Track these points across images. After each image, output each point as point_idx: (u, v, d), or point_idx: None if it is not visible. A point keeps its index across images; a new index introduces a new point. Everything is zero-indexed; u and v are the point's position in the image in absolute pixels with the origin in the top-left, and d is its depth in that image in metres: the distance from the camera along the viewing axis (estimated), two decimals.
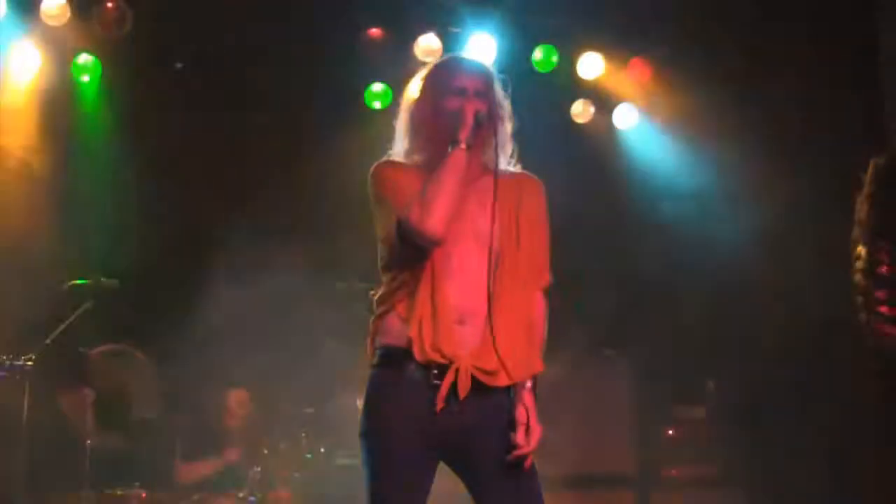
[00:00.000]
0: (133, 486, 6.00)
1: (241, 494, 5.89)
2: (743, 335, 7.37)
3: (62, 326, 5.77)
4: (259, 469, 6.01)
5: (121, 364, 6.23)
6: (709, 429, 7.49)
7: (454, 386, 3.29)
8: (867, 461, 6.90)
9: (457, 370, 3.29)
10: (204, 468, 6.16)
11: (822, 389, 7.24)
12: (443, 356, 3.28)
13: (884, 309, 4.52)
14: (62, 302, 5.86)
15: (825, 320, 7.15)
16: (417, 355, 3.29)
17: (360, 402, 5.81)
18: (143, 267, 6.51)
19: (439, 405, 3.28)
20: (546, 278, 3.53)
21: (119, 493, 5.95)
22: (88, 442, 5.84)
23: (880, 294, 4.54)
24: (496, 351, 3.31)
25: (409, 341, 3.30)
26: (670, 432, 7.42)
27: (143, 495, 5.95)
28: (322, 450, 6.24)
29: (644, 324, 7.55)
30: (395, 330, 3.35)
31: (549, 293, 3.52)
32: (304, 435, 6.21)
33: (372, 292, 5.71)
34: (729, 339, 7.42)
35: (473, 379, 3.30)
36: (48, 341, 5.71)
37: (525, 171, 3.60)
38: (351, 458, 6.22)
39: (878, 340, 4.54)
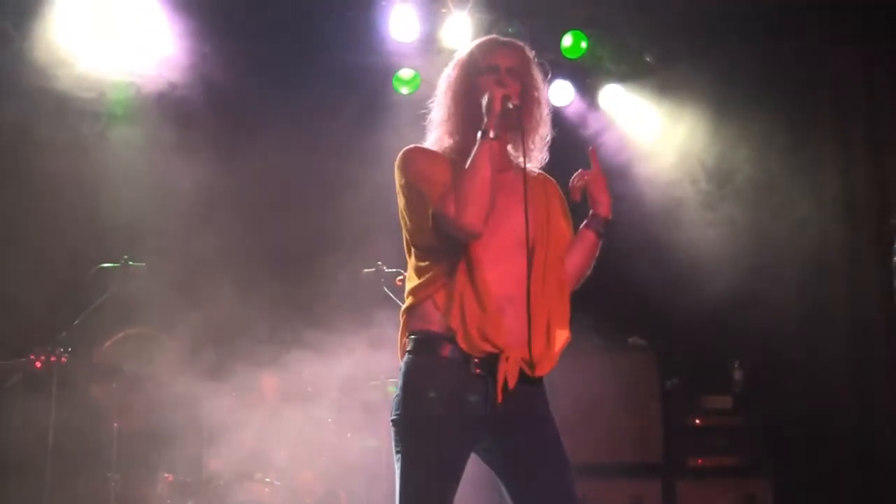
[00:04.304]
0: (159, 469, 6.02)
1: (267, 479, 5.88)
2: (771, 325, 7.32)
3: (90, 309, 5.79)
4: (286, 454, 6.01)
5: (147, 347, 6.24)
6: (735, 418, 7.45)
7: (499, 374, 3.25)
8: (891, 453, 6.88)
9: (506, 359, 3.26)
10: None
11: (849, 380, 7.22)
12: (493, 346, 3.26)
13: None
14: (90, 285, 5.87)
15: (856, 309, 7.13)
16: (463, 344, 3.25)
17: (389, 388, 5.90)
18: (172, 250, 6.52)
19: (499, 397, 3.24)
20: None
21: (145, 476, 5.98)
22: (115, 425, 5.87)
23: None
24: (539, 340, 3.31)
25: (450, 330, 3.26)
26: (697, 421, 7.38)
27: (169, 478, 5.97)
28: (349, 434, 6.23)
29: (671, 313, 7.52)
30: (433, 318, 3.31)
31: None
32: (330, 420, 6.20)
33: (400, 278, 5.84)
34: (757, 328, 7.38)
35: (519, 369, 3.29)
36: (76, 324, 5.74)
37: (542, 172, 3.59)
38: (377, 442, 6.23)
39: None
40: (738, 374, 7.60)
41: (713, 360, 7.68)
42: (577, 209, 3.64)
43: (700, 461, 7.28)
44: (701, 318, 7.50)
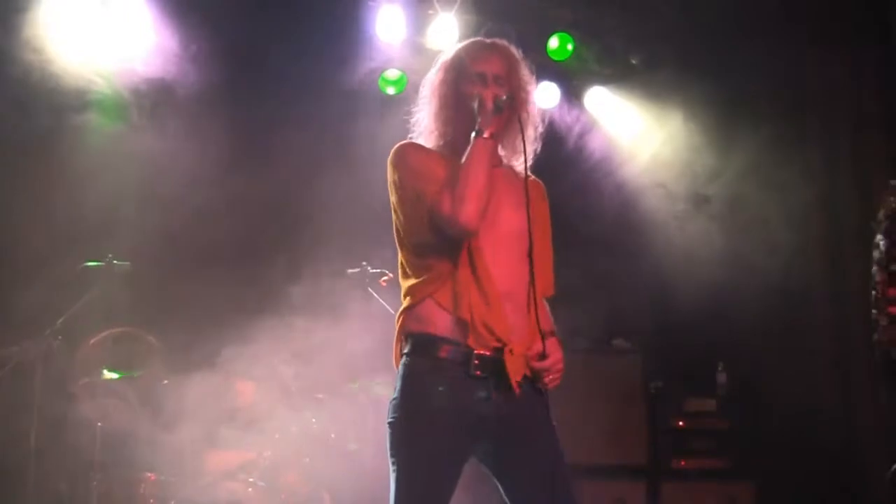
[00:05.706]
0: (142, 468, 6.00)
1: (251, 479, 5.86)
2: (755, 328, 7.34)
3: (74, 308, 5.77)
4: (269, 454, 6.00)
5: (130, 346, 6.22)
6: (719, 421, 7.46)
7: (505, 373, 3.23)
8: (874, 456, 6.90)
9: (510, 352, 3.25)
10: (232, 458, 6.07)
11: (833, 383, 7.24)
12: (498, 340, 3.24)
13: (893, 310, 4.41)
14: (74, 284, 5.85)
15: (839, 311, 7.15)
16: (471, 340, 3.23)
17: (377, 389, 5.90)
18: (157, 250, 6.49)
19: (517, 390, 3.22)
20: (553, 290, 3.56)
21: (128, 475, 5.95)
22: (98, 424, 5.84)
23: (893, 292, 4.43)
24: (542, 336, 3.29)
25: (456, 327, 3.23)
26: (680, 424, 7.39)
27: (152, 478, 5.94)
28: (332, 435, 6.21)
29: (655, 316, 7.53)
30: (435, 317, 3.27)
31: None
32: (314, 420, 6.18)
33: (384, 278, 5.85)
34: (741, 331, 7.40)
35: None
36: (59, 323, 5.71)
37: (531, 174, 3.56)
38: (360, 444, 6.21)
39: (882, 341, 4.43)
40: (721, 377, 7.62)
41: (697, 363, 7.70)
42: (561, 222, 3.65)
43: (684, 463, 7.30)
44: (685, 321, 7.52)
